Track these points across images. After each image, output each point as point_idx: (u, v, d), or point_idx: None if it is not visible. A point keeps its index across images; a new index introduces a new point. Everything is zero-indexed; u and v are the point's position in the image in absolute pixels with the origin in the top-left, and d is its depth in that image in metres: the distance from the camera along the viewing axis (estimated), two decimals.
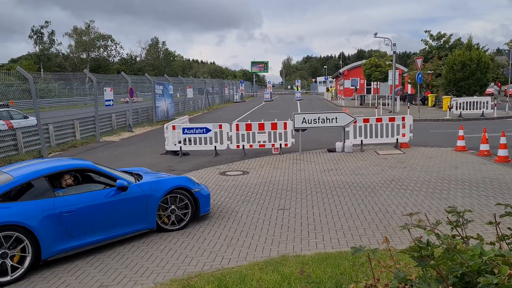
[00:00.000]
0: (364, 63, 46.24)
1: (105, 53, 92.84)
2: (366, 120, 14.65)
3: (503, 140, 11.91)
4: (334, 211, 7.81)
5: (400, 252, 1.70)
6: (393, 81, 31.11)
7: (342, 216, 7.46)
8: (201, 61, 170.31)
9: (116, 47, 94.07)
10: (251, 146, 14.42)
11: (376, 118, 14.83)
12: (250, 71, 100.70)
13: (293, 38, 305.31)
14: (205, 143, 14.68)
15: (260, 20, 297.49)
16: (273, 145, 14.40)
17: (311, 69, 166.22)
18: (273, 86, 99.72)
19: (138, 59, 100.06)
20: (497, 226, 1.96)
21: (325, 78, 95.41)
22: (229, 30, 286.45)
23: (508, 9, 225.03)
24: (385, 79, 39.45)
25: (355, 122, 14.43)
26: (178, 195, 7.31)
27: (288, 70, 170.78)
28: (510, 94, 32.97)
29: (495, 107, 25.92)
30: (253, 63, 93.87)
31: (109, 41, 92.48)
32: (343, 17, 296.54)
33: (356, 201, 8.33)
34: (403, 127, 14.55)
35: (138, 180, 7.27)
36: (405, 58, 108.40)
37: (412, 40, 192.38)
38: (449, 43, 50.62)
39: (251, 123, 14.36)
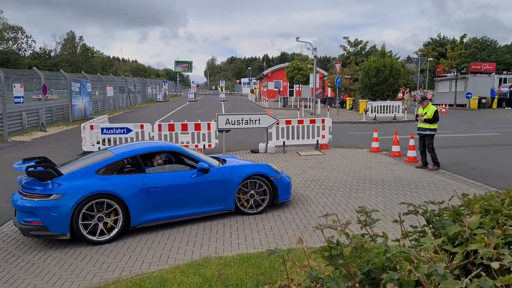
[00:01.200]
0: (287, 65, 47.47)
1: (15, 46, 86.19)
2: (288, 122, 15.04)
3: (411, 142, 12.83)
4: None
5: (312, 253, 1.77)
6: (314, 84, 32.26)
7: (264, 217, 7.58)
8: (123, 59, 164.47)
9: (28, 40, 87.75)
10: None
11: (298, 120, 15.28)
12: (174, 70, 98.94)
13: (218, 38, 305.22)
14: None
15: (185, 19, 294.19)
16: (196, 146, 14.28)
17: (235, 70, 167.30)
18: (197, 86, 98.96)
19: (52, 54, 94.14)
20: (401, 224, 2.10)
21: (249, 80, 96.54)
22: (152, 27, 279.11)
23: (419, 19, 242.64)
24: (306, 82, 40.80)
25: (277, 123, 14.75)
26: (258, 181, 7.77)
27: (213, 71, 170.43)
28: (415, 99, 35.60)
29: (406, 111, 27.86)
30: (177, 63, 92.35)
31: (19, 33, 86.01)
32: (268, 20, 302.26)
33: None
34: (323, 129, 15.14)
35: (222, 165, 7.84)
36: (325, 62, 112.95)
37: (332, 45, 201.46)
38: (365, 50, 53.49)
39: (174, 124, 14.13)
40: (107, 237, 6.47)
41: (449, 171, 11.19)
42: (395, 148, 13.74)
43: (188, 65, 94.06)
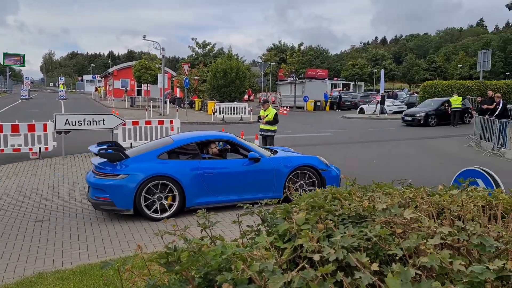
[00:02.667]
0: (134, 64, 45.99)
1: None
2: (135, 123, 14.56)
3: (256, 142, 13.53)
4: (101, 218, 7.48)
5: (149, 260, 1.74)
6: (162, 85, 31.86)
7: (109, 223, 7.20)
8: None
9: None
10: (2, 150, 12.54)
11: (146, 121, 14.91)
12: (2, 63, 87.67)
13: (57, 31, 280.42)
14: None
15: (15, 6, 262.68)
16: (30, 149, 12.88)
17: (77, 66, 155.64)
18: (32, 82, 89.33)
19: None
20: (239, 225, 2.19)
21: (93, 77, 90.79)
22: None
23: (264, 26, 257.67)
24: (155, 81, 40.10)
25: (124, 124, 14.17)
26: (307, 172, 8.14)
27: (51, 66, 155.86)
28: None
29: (251, 112, 29.36)
30: (6, 55, 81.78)
31: None
32: (114, 15, 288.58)
33: None
34: (172, 129, 15.04)
35: (273, 155, 8.29)
36: (174, 62, 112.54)
37: (181, 45, 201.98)
38: (213, 52, 54.87)
39: (1, 124, 12.51)
40: (166, 214, 7.14)
41: None
42: None
43: (20, 59, 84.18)
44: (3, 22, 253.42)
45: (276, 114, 12.25)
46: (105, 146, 7.90)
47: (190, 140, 8.05)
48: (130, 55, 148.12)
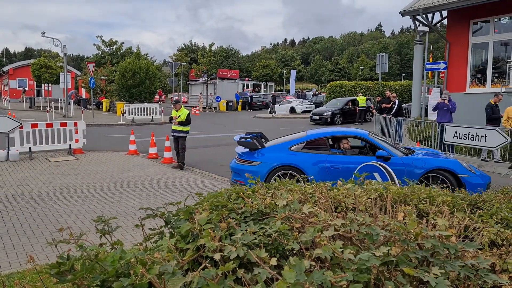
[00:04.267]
0: (33, 62, 42.74)
1: None
2: (34, 125, 13.57)
3: (167, 144, 13.32)
4: None
5: (39, 272, 1.63)
6: (65, 84, 30.04)
7: (5, 234, 6.61)
8: None
9: None
10: None
11: (46, 123, 13.96)
12: None
13: None
14: None
15: None
16: None
17: None
18: None
19: None
20: (142, 228, 2.14)
21: None
22: None
23: (175, 24, 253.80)
24: (57, 81, 37.66)
25: (21, 127, 13.13)
26: (441, 176, 7.68)
27: None
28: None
29: (163, 113, 28.77)
30: None
31: None
32: (9, 8, 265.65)
33: (22, 215, 7.56)
34: (76, 132, 14.24)
35: (407, 155, 8.06)
36: (79, 61, 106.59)
37: (87, 43, 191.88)
38: (121, 51, 52.79)
39: None
40: None
41: (201, 169, 12.08)
42: (152, 150, 14.02)
43: None
44: None
45: (188, 114, 12.13)
46: (250, 136, 8.73)
47: (322, 135, 8.55)
48: (28, 53, 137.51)
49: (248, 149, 8.42)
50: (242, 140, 8.48)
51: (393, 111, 17.64)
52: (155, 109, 28.96)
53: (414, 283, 1.69)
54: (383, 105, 19.33)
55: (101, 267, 1.54)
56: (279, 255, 1.85)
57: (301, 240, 1.76)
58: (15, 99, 45.54)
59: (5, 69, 54.80)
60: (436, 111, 14.85)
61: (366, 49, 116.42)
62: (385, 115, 17.88)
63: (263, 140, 9.11)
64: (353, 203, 2.37)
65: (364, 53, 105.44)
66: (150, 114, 28.48)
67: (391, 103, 18.45)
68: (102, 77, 39.66)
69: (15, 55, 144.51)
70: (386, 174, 5.55)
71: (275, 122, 29.75)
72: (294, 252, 1.75)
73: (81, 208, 8.08)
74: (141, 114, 28.21)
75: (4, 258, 5.73)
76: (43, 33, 30.72)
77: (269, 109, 37.35)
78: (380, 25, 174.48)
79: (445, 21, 19.81)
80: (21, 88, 47.47)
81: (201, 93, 40.59)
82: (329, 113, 26.31)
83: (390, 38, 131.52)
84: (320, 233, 1.77)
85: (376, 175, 5.66)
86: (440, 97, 15.21)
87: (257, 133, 9.37)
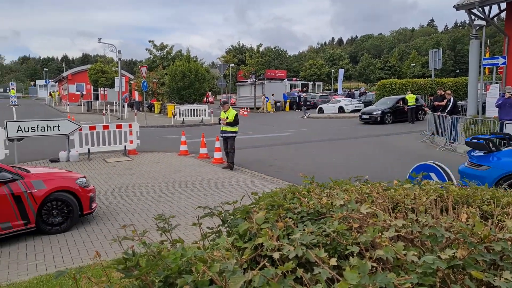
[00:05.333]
0: (90, 68, 44.77)
1: None
2: (92, 128, 14.20)
3: (217, 144, 13.52)
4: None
5: (106, 267, 1.70)
6: (120, 88, 31.21)
7: (67, 232, 6.98)
8: None
9: None
10: None
11: (103, 126, 14.56)
12: None
13: (6, 33, 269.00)
14: None
15: None
16: None
17: (29, 70, 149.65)
18: None
19: None
20: (200, 227, 2.19)
21: (46, 82, 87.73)
22: None
23: (223, 27, 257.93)
24: (112, 85, 39.20)
25: (80, 129, 13.78)
26: None
27: (1, 71, 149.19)
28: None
29: (212, 114, 29.24)
30: None
31: None
32: (67, 17, 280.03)
33: None
34: (131, 134, 14.76)
35: None
36: (132, 65, 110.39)
37: (139, 47, 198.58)
38: (172, 54, 54.21)
39: None
40: None
41: (251, 170, 12.16)
42: (203, 151, 14.27)
43: None
44: None
45: (236, 115, 12.25)
46: (489, 137, 7.89)
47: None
48: (85, 59, 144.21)
49: (483, 152, 7.47)
50: (473, 141, 7.63)
51: (448, 109, 16.96)
52: (205, 110, 29.47)
53: (482, 287, 1.62)
54: (436, 103, 18.64)
55: (163, 263, 1.59)
56: (337, 255, 1.82)
57: (361, 241, 1.73)
58: (73, 103, 47.86)
59: (64, 74, 57.77)
60: (499, 108, 14.10)
61: (417, 45, 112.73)
62: (439, 113, 17.23)
63: (506, 142, 8.08)
64: (412, 204, 2.30)
65: (415, 50, 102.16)
66: (199, 116, 29.02)
67: (445, 100, 17.75)
68: (154, 80, 40.89)
69: (73, 61, 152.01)
70: (444, 174, 5.34)
71: (323, 121, 29.46)
72: (354, 253, 1.71)
73: (136, 207, 8.37)
74: (191, 116, 28.80)
75: (76, 255, 6.04)
76: (99, 39, 32.11)
77: (317, 109, 37.04)
78: (432, 20, 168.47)
79: (503, 14, 18.83)
80: (79, 92, 49.82)
81: (264, 94, 40.47)
82: (379, 112, 25.71)
83: (443, 33, 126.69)
84: (380, 234, 1.73)
85: (432, 175, 5.47)
86: (508, 92, 14.24)
87: (505, 134, 8.45)
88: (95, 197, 7.80)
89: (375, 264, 1.56)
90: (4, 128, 12.55)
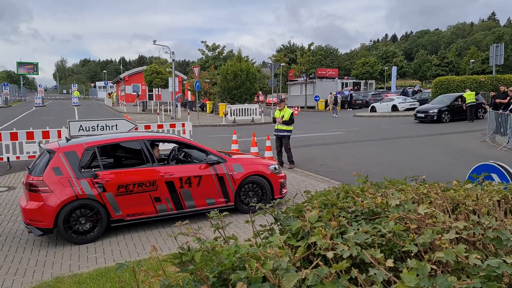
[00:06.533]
0: (145, 69, 46.31)
1: None
2: (147, 127, 14.66)
3: (268, 143, 13.54)
4: None
5: (163, 261, 1.75)
6: (173, 88, 32.04)
7: (125, 226, 7.25)
8: None
9: None
10: (18, 158, 12.74)
11: (158, 125, 15.00)
12: (16, 72, 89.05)
13: (69, 37, 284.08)
14: None
15: (28, 15, 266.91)
16: None
17: (89, 73, 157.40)
18: (45, 90, 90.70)
19: None
20: (252, 224, 2.20)
21: (105, 83, 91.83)
22: None
23: (275, 26, 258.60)
24: (166, 85, 40.32)
25: (136, 128, 14.26)
26: None
27: (63, 73, 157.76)
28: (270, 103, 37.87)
29: (262, 114, 29.37)
30: (20, 64, 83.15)
31: None
32: (124, 20, 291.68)
33: None
34: (184, 133, 15.11)
35: None
36: (185, 66, 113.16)
37: (191, 48, 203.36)
38: (223, 54, 55.01)
39: (17, 132, 12.69)
40: None
41: (302, 169, 12.08)
42: (253, 149, 14.34)
43: (34, 67, 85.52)
44: (16, 30, 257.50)
45: (292, 114, 12.17)
46: None
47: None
48: (141, 60, 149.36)
49: None
50: None
51: (511, 107, 16.03)
52: (255, 109, 29.65)
53: None
54: (498, 100, 17.68)
55: (218, 259, 1.61)
56: (393, 257, 1.77)
57: (419, 242, 1.67)
58: (130, 103, 49.74)
59: (121, 76, 60.20)
60: None
61: (477, 40, 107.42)
62: (501, 111, 16.32)
63: None
64: (474, 205, 2.19)
65: (474, 45, 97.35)
66: (250, 115, 29.23)
67: (508, 97, 16.79)
68: (206, 80, 41.65)
69: (130, 62, 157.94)
70: (507, 175, 5.05)
71: (375, 120, 28.77)
72: (412, 254, 1.66)
73: None
74: (242, 115, 29.08)
75: (133, 249, 6.28)
76: (154, 41, 33.10)
77: (369, 108, 36.23)
78: (493, 13, 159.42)
79: None
80: (135, 93, 51.69)
81: (331, 93, 39.85)
82: (436, 111, 24.74)
83: (506, 27, 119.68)
84: (440, 236, 1.66)
85: (494, 176, 5.19)
86: None
87: None
88: (285, 183, 8.36)
89: (434, 267, 1.50)
90: (67, 128, 13.24)
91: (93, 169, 6.82)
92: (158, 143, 8.26)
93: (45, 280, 5.14)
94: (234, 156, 8.09)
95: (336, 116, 31.78)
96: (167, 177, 7.05)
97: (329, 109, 38.68)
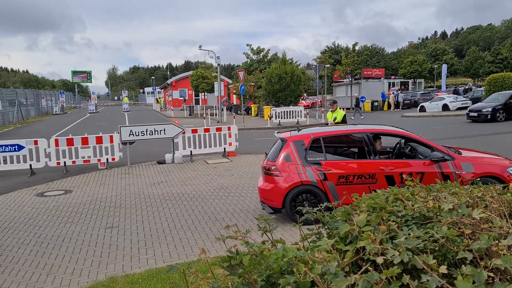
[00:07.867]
0: (191, 74, 47.26)
1: None
2: (194, 131, 14.96)
3: None
4: (165, 224, 7.74)
5: (212, 264, 1.78)
6: (219, 92, 32.48)
7: (173, 229, 7.44)
8: (12, 69, 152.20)
9: None
10: (74, 162, 13.36)
11: (204, 129, 15.27)
12: (71, 81, 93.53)
13: (120, 45, 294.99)
14: (18, 162, 13.02)
15: (82, 26, 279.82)
16: (99, 160, 13.61)
17: (139, 79, 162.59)
18: (98, 97, 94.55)
19: None
20: (300, 228, 2.19)
21: (153, 89, 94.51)
22: (43, 33, 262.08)
23: (320, 27, 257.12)
24: (211, 90, 40.92)
25: (183, 133, 14.60)
26: None
27: (114, 81, 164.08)
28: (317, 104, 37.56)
29: (307, 116, 29.20)
30: (75, 73, 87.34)
31: None
32: (171, 27, 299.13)
33: (186, 212, 8.41)
34: (230, 136, 15.29)
35: None
36: (230, 70, 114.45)
37: (236, 52, 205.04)
38: (268, 57, 55.13)
39: (72, 138, 13.32)
40: None
41: None
42: None
43: (87, 75, 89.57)
44: (71, 40, 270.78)
45: (344, 115, 12.06)
46: None
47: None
48: (187, 66, 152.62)
49: None
50: None
51: None
52: (300, 112, 29.51)
53: None
54: None
55: (266, 263, 1.62)
56: (447, 263, 1.71)
57: (474, 248, 1.60)
58: (177, 108, 50.93)
59: (169, 81, 61.76)
60: None
61: None
62: None
63: None
64: None
65: None
66: (295, 117, 29.12)
67: None
68: (251, 83, 41.92)
69: (177, 68, 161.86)
70: None
71: (425, 120, 27.86)
72: (467, 261, 1.59)
73: (236, 207, 8.64)
74: (287, 118, 29.02)
75: (182, 251, 6.43)
76: (200, 46, 33.75)
77: (418, 107, 35.14)
78: None
79: None
80: (182, 98, 52.82)
81: (391, 91, 39.48)
82: (490, 109, 23.63)
83: None
84: (497, 242, 1.59)
85: None
86: None
87: None
88: None
89: (491, 274, 1.44)
90: (118, 133, 13.76)
91: (318, 158, 7.26)
92: (381, 136, 8.26)
93: (100, 280, 5.35)
94: (464, 154, 7.52)
95: (362, 117, 31.12)
96: (387, 171, 7.08)
97: (392, 109, 38.45)
